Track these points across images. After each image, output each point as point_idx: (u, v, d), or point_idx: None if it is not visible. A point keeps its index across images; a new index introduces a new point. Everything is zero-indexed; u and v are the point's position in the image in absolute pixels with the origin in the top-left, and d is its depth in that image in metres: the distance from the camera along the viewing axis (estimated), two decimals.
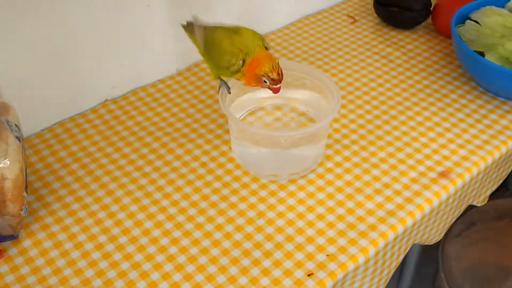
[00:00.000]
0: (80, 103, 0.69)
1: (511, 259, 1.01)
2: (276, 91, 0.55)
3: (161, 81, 0.75)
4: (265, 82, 0.54)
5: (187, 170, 0.61)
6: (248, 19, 0.80)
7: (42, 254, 0.53)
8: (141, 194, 0.58)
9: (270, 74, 0.53)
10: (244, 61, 0.54)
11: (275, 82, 0.54)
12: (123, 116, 0.69)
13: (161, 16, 0.70)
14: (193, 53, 0.77)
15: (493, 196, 0.71)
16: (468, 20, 0.73)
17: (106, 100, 0.71)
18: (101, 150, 0.64)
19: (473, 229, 1.07)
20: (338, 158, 0.63)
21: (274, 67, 0.53)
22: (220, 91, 0.59)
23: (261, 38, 0.56)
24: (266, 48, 0.56)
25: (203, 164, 0.62)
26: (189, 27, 0.60)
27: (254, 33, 0.57)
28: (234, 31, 0.56)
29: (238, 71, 0.55)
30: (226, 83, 0.59)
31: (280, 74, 0.54)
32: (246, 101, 0.65)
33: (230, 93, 0.60)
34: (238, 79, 0.56)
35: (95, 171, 0.61)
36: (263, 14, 0.82)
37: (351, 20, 0.87)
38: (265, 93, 0.65)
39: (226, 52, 0.55)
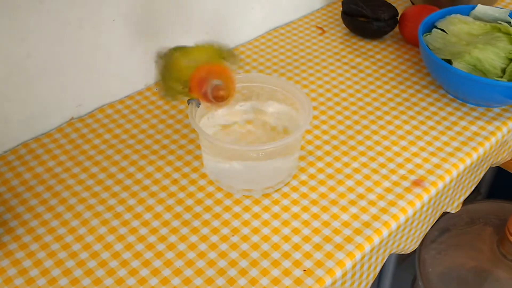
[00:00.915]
0: (45, 122, 0.66)
1: (486, 263, 1.02)
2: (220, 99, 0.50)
3: (129, 97, 0.73)
4: (208, 96, 0.50)
5: (158, 188, 0.59)
6: (216, 32, 0.79)
7: (6, 282, 0.50)
8: (110, 215, 0.56)
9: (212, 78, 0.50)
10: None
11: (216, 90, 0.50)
12: (90, 135, 0.66)
13: (127, 31, 0.68)
14: None
15: (466, 200, 0.71)
16: (434, 29, 0.74)
17: (72, 118, 0.69)
18: (67, 171, 0.61)
19: (447, 235, 1.08)
20: (312, 170, 0.62)
21: (201, 80, 0.50)
22: (189, 105, 0.58)
23: (220, 50, 0.54)
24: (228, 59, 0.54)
25: (175, 181, 0.60)
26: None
27: (211, 47, 0.53)
28: (185, 51, 0.53)
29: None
30: (196, 100, 0.58)
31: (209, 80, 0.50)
32: (217, 115, 0.64)
33: (199, 106, 0.58)
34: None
35: (62, 193, 0.59)
36: (231, 27, 0.81)
37: (320, 31, 0.87)
38: (233, 107, 0.65)
39: (174, 79, 0.52)
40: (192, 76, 0.51)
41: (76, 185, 0.60)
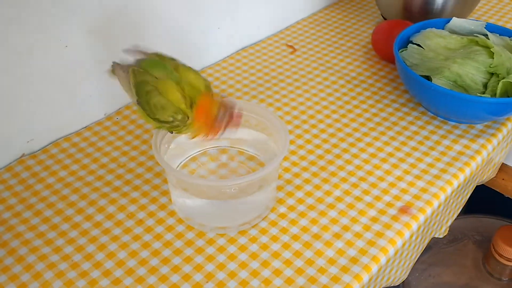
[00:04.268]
0: None
1: (472, 281, 0.99)
2: (237, 122, 0.48)
3: (88, 128, 0.66)
4: (222, 117, 0.47)
5: (120, 231, 0.53)
6: (182, 53, 0.73)
7: None
8: (66, 266, 0.49)
9: (223, 109, 0.47)
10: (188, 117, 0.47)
11: (231, 111, 0.47)
12: (43, 173, 0.60)
13: (83, 57, 0.62)
14: (123, 94, 0.70)
15: None
16: (410, 44, 0.71)
17: (23, 155, 0.62)
18: (17, 216, 0.54)
19: (429, 253, 1.04)
20: (291, 201, 0.57)
21: (223, 104, 0.47)
22: (154, 136, 0.52)
23: (204, 80, 0.50)
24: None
25: (140, 222, 0.54)
26: (116, 70, 0.53)
27: (196, 74, 0.49)
28: (171, 75, 0.48)
29: (184, 125, 0.48)
30: None
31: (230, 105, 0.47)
32: (186, 144, 0.59)
33: (172, 132, 0.53)
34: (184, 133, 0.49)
35: (10, 242, 0.52)
36: (196, 48, 0.76)
37: (291, 50, 0.83)
38: None
39: (161, 106, 0.47)
40: (200, 103, 0.47)
41: (27, 232, 0.53)
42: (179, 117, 0.47)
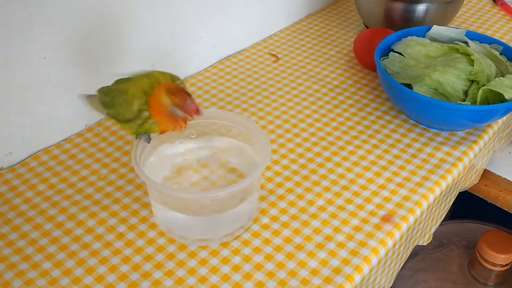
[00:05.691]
0: None
1: (457, 284, 0.99)
2: (195, 111, 0.47)
3: (68, 140, 0.65)
4: (176, 113, 0.47)
5: (100, 245, 0.52)
6: (165, 64, 0.73)
7: None
8: (44, 283, 0.48)
9: (174, 100, 0.46)
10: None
11: (185, 104, 0.46)
12: (21, 186, 0.59)
13: (62, 68, 0.61)
14: None
15: None
16: (391, 52, 0.71)
17: (1, 168, 0.61)
18: None
19: (415, 259, 1.04)
20: (274, 212, 0.57)
21: (172, 91, 0.46)
22: (134, 147, 0.51)
23: (171, 76, 0.50)
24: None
25: (120, 236, 0.53)
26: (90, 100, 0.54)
27: (162, 73, 0.50)
28: (131, 79, 0.50)
29: (147, 117, 0.48)
30: (146, 134, 0.52)
31: (182, 92, 0.47)
32: (166, 155, 0.58)
33: (149, 142, 0.52)
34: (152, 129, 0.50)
35: None
36: (178, 58, 0.76)
37: (274, 59, 0.83)
38: (184, 146, 0.59)
39: (126, 102, 0.48)
40: (152, 98, 0.47)
41: (5, 248, 0.52)
42: (145, 108, 0.48)
